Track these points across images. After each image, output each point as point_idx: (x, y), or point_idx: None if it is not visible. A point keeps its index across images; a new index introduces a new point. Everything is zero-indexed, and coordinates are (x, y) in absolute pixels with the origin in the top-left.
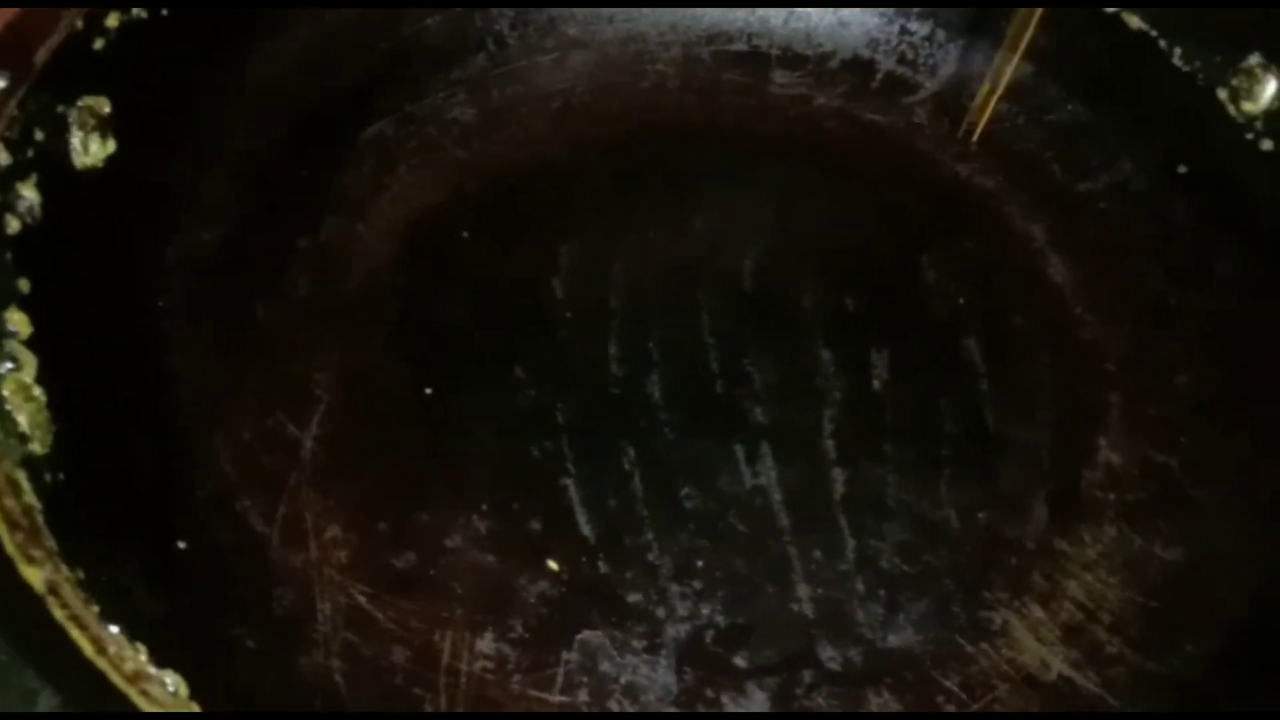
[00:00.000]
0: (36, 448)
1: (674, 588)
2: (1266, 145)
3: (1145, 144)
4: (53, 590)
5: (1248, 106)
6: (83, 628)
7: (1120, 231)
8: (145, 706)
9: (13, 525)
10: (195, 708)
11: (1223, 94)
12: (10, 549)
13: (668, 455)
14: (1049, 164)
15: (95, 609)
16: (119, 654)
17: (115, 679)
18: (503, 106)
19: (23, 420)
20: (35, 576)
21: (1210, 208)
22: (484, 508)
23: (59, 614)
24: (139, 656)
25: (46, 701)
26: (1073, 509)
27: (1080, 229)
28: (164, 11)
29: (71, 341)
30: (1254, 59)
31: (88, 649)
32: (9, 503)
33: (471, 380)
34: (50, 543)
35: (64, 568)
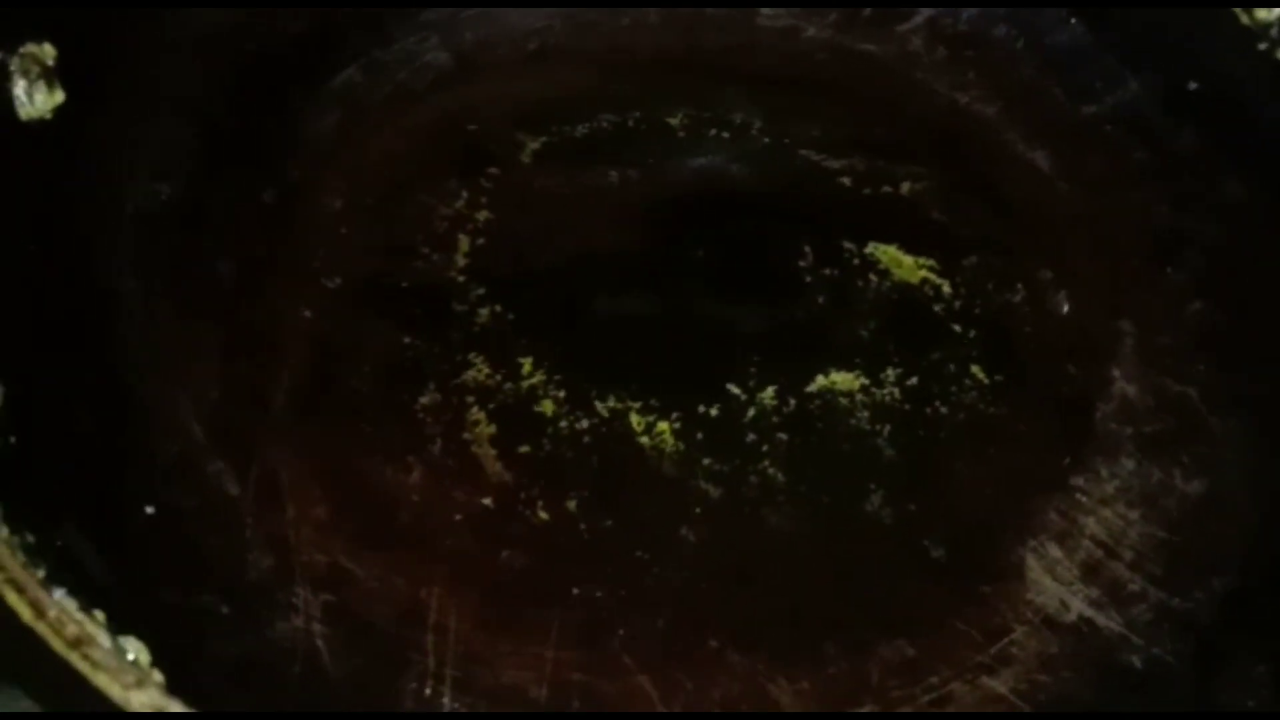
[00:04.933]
0: None
1: (680, 530)
2: None
3: (1152, 61)
4: None
5: (1261, 14)
6: (20, 590)
7: (1125, 157)
8: (86, 671)
9: None
10: (157, 675)
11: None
12: None
13: (658, 391)
14: (1050, 88)
15: (40, 573)
16: (59, 618)
17: (54, 644)
18: (477, 49)
19: None
20: None
21: (1219, 129)
22: (470, 455)
23: None
24: (85, 622)
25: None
26: (1088, 443)
27: (1084, 155)
28: None
29: (20, 299)
30: None
31: (25, 613)
32: None
33: (444, 330)
34: None
35: (4, 529)
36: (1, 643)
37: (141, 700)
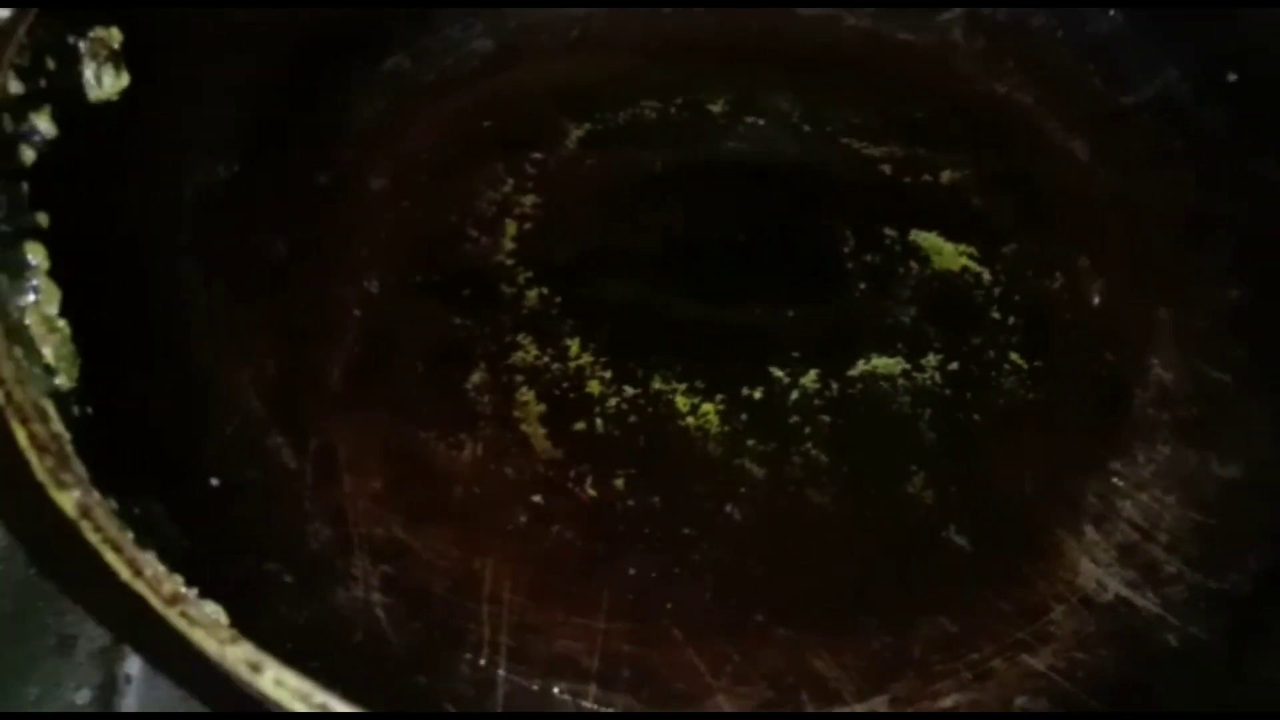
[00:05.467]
0: (64, 381)
1: (726, 507)
2: None
3: (1190, 51)
4: (85, 514)
5: None
6: (118, 550)
7: (1163, 144)
8: (186, 630)
9: (41, 450)
10: (237, 634)
11: None
12: (40, 474)
13: (703, 372)
14: (1090, 77)
15: (130, 535)
16: (155, 576)
17: (154, 602)
18: (520, 36)
19: (48, 352)
20: (67, 501)
21: (1255, 117)
22: (519, 433)
23: (93, 537)
24: (177, 581)
25: (84, 647)
26: (1125, 428)
27: (1123, 143)
28: None
29: (91, 277)
30: None
31: (124, 572)
32: (37, 429)
33: (493, 312)
34: (80, 469)
35: (96, 493)
36: (104, 599)
37: (237, 655)
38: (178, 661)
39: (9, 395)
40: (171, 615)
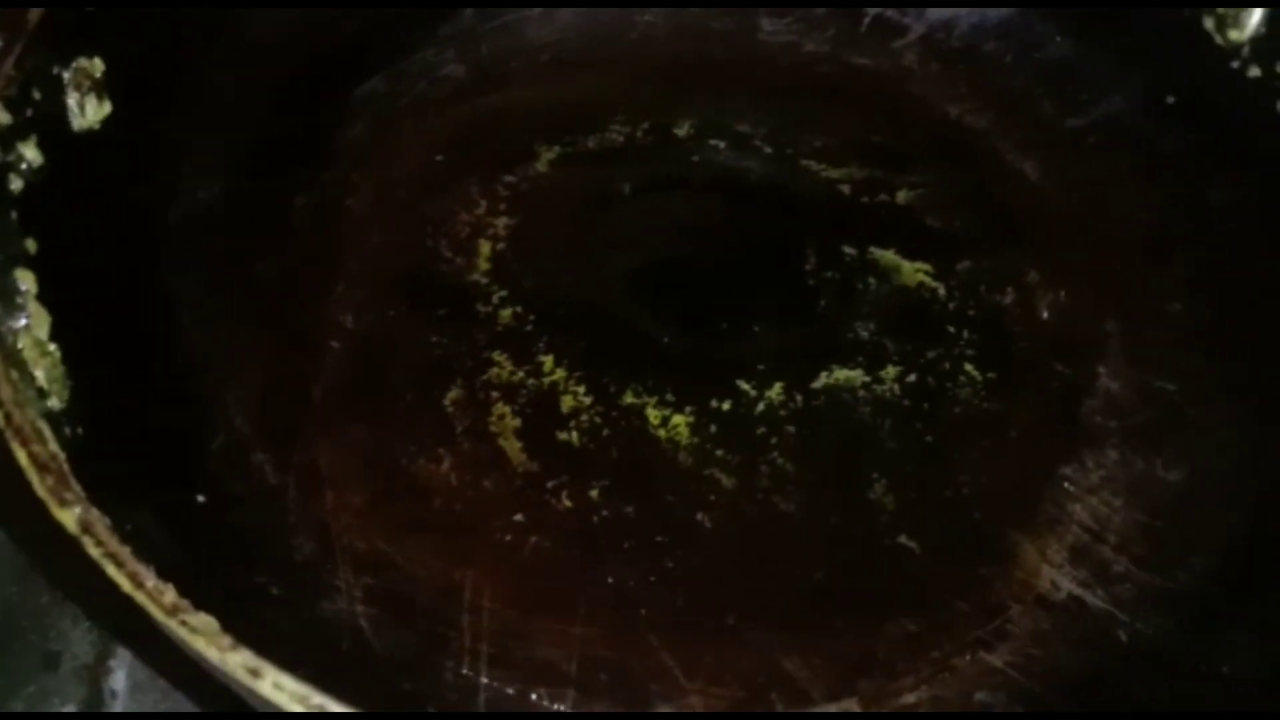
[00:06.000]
0: (55, 403)
1: (697, 515)
2: (1254, 71)
3: (1133, 77)
4: (86, 529)
5: (1234, 34)
6: (119, 564)
7: (1112, 164)
8: (188, 638)
9: (42, 469)
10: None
11: (1209, 23)
12: (42, 492)
13: (673, 386)
14: (1039, 101)
15: (128, 549)
16: (156, 588)
17: (155, 611)
18: (493, 61)
19: (40, 375)
20: (69, 518)
21: (1200, 137)
22: (497, 447)
23: (94, 552)
24: (174, 592)
25: (69, 664)
26: (1076, 436)
27: (1073, 164)
28: None
29: (79, 300)
30: None
31: (125, 584)
32: (37, 449)
33: (469, 330)
34: (78, 488)
35: (95, 510)
36: (107, 612)
37: (236, 661)
38: (177, 668)
39: (8, 417)
40: (173, 624)
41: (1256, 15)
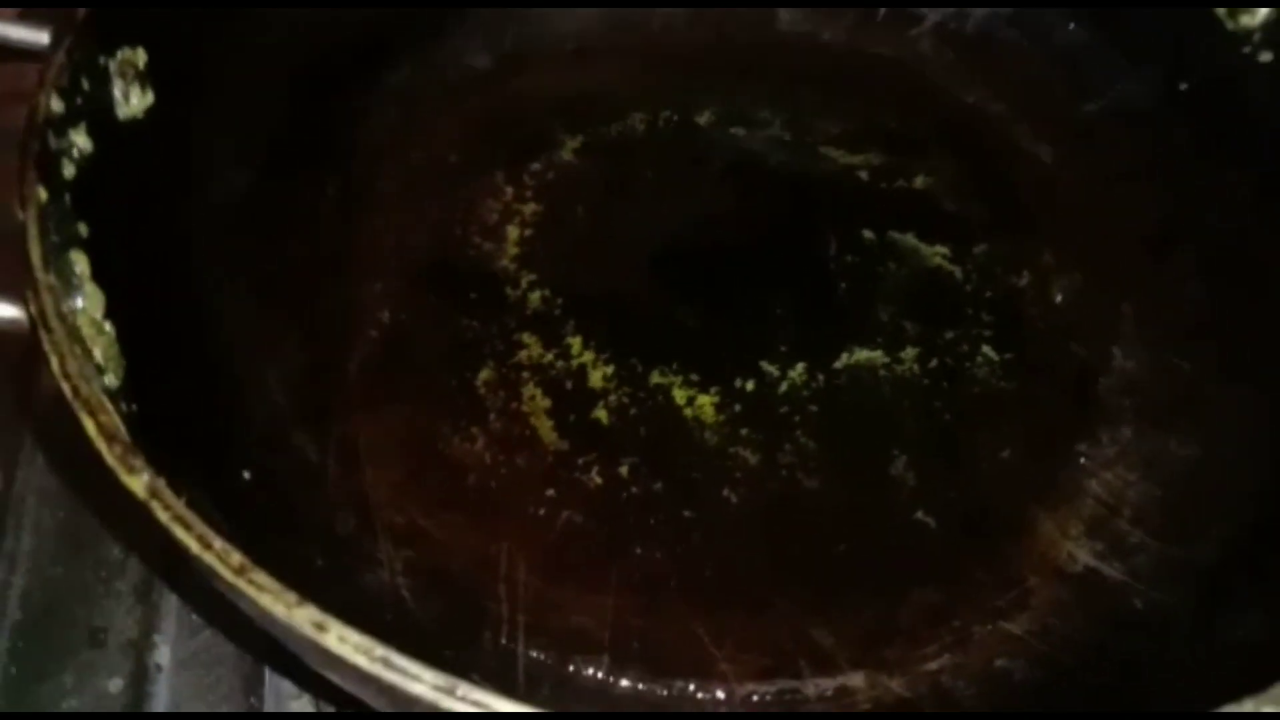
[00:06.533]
0: (111, 379)
1: (723, 491)
2: (1265, 56)
3: (1146, 63)
4: (154, 494)
5: (1245, 20)
6: (187, 527)
7: (1125, 150)
8: (256, 596)
9: (110, 439)
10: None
11: (1220, 10)
12: (111, 460)
13: (698, 367)
14: (1053, 87)
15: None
16: (224, 549)
17: (224, 572)
18: (518, 51)
19: (97, 352)
20: (138, 484)
21: (1212, 123)
22: (528, 425)
23: (163, 516)
24: (240, 553)
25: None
26: (1091, 413)
27: (1086, 149)
28: None
29: (130, 282)
30: None
31: (194, 546)
32: (105, 419)
33: (499, 313)
34: (142, 456)
35: (160, 478)
36: (183, 575)
37: (303, 615)
38: (251, 622)
39: (76, 390)
40: (241, 583)
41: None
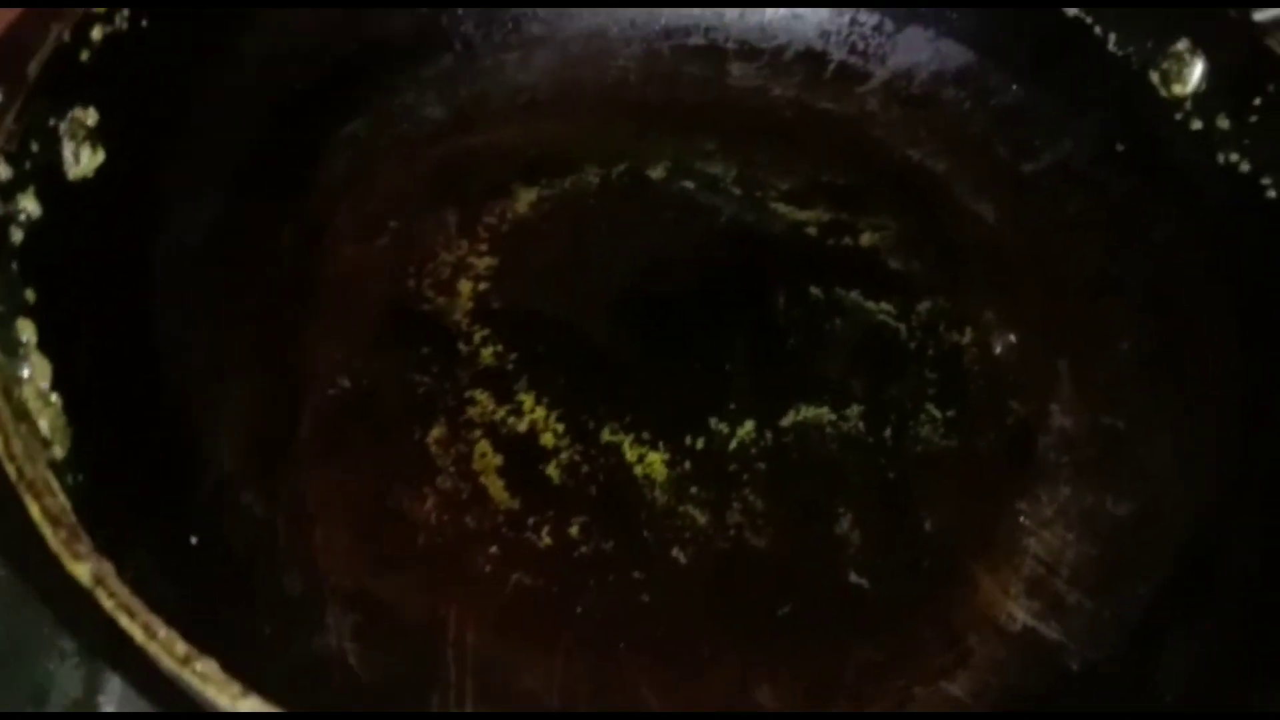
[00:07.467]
0: (58, 451)
1: (672, 551)
2: (1196, 124)
3: (1084, 125)
4: (99, 582)
5: (1177, 88)
6: (132, 615)
7: (1064, 207)
8: (199, 686)
9: (54, 523)
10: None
11: (1154, 77)
12: (55, 546)
13: (649, 424)
14: (995, 146)
15: (141, 601)
16: (168, 638)
17: (168, 662)
18: (472, 104)
19: (44, 425)
20: (83, 571)
21: (1146, 183)
22: (479, 484)
23: (108, 604)
24: (184, 641)
25: (57, 700)
26: (1030, 471)
27: (1027, 206)
28: (143, 23)
29: (77, 347)
30: (1182, 44)
31: (139, 635)
32: (48, 501)
33: (451, 369)
34: (88, 540)
35: (106, 561)
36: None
37: (248, 705)
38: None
39: (20, 471)
40: (186, 674)
41: (1198, 71)
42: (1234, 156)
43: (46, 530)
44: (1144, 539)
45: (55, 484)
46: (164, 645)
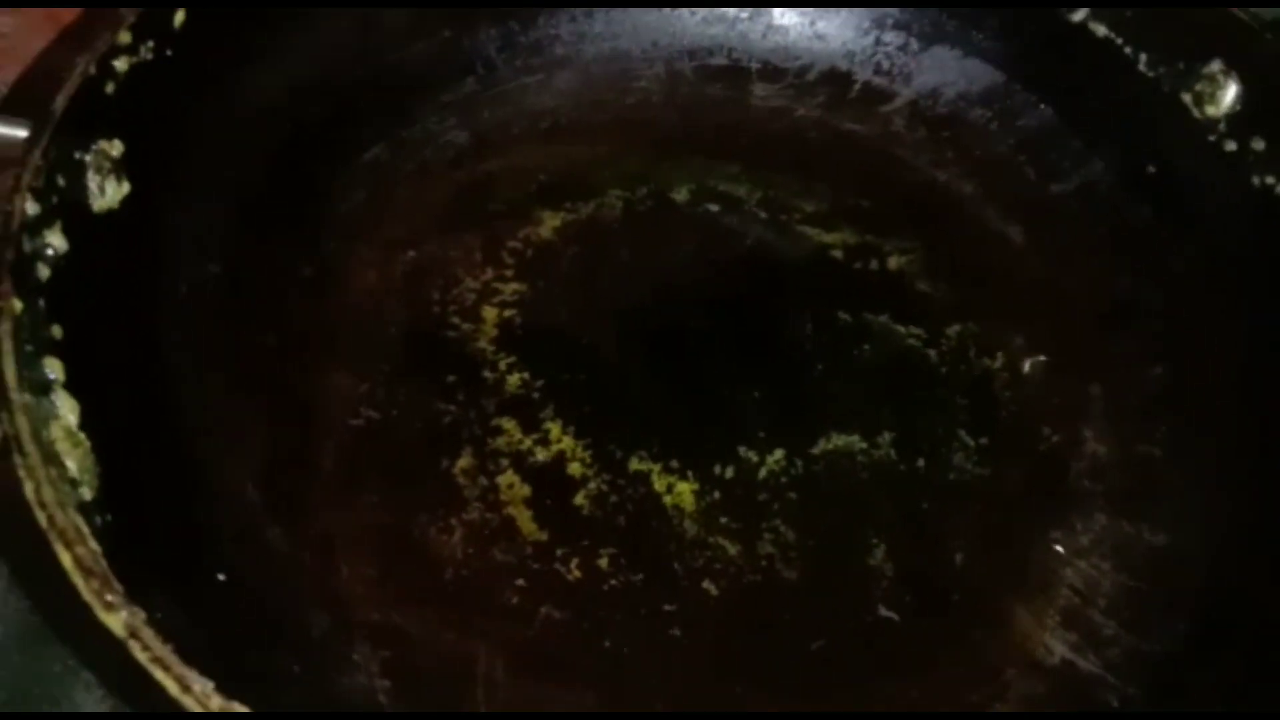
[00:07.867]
0: (86, 492)
1: (703, 584)
2: (1229, 146)
3: (1114, 146)
4: (133, 634)
5: (1211, 110)
6: (165, 669)
7: (1093, 230)
8: None
9: (86, 572)
10: None
11: (1187, 98)
12: (87, 595)
13: (677, 453)
14: (1022, 167)
15: (170, 648)
16: (203, 691)
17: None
18: (494, 128)
19: (72, 466)
20: (115, 622)
21: (1177, 205)
22: (506, 516)
23: (142, 656)
24: (219, 695)
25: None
26: (1064, 500)
27: (1055, 229)
28: (168, 52)
29: (104, 385)
30: (1215, 65)
31: (173, 688)
32: (79, 550)
33: (477, 397)
34: (120, 587)
35: (140, 611)
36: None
37: None
38: None
39: (51, 519)
40: None
41: (1232, 93)
42: (1270, 179)
43: (79, 580)
44: (1180, 570)
45: (86, 529)
46: (199, 699)
